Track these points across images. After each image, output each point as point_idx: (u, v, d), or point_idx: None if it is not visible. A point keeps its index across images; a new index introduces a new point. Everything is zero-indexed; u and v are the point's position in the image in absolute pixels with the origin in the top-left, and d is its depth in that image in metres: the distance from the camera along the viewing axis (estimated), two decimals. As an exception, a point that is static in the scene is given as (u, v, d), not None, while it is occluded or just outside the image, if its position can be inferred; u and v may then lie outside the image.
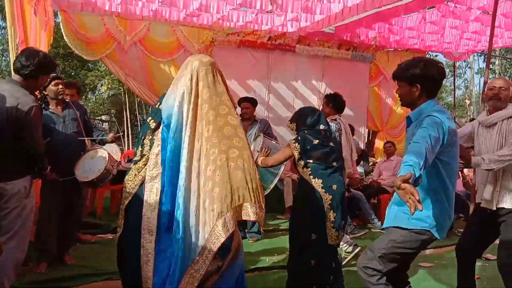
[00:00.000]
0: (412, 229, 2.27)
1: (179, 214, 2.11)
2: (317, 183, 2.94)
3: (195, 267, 2.09)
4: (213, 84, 2.21)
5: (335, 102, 4.39)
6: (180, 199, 2.11)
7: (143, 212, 2.16)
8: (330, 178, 2.97)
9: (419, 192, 2.24)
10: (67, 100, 3.73)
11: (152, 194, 2.18)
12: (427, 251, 4.65)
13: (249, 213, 2.01)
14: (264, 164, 3.22)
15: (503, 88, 2.96)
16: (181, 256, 2.09)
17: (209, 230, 2.03)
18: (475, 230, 3.05)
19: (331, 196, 2.92)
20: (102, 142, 3.84)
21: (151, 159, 2.21)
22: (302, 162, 3.00)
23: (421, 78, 2.29)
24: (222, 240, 2.01)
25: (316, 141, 3.01)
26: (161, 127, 2.27)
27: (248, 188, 2.03)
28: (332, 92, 4.65)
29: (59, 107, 3.64)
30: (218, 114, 2.14)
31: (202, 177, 2.09)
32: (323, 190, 2.92)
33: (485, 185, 2.97)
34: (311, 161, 2.98)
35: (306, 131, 3.07)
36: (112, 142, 3.82)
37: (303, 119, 3.13)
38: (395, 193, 2.49)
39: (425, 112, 2.27)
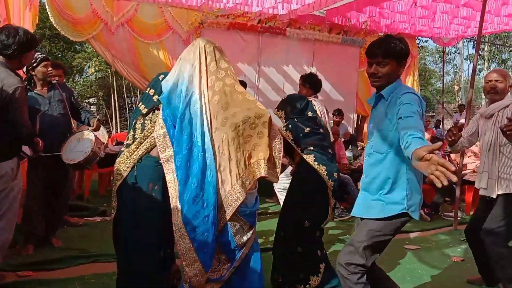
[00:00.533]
0: (389, 217, 2.23)
1: (197, 181, 2.20)
2: (321, 169, 2.89)
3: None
4: (219, 59, 2.39)
5: (311, 82, 4.27)
6: (196, 169, 2.19)
7: (169, 191, 2.25)
8: (330, 165, 2.95)
9: (392, 172, 2.22)
10: (53, 82, 3.67)
11: (171, 173, 2.26)
12: (413, 234, 4.73)
13: (261, 170, 2.24)
14: None
15: (499, 81, 3.05)
16: (212, 218, 2.19)
17: (229, 189, 2.23)
18: (481, 213, 3.15)
19: (333, 183, 2.91)
20: (88, 124, 3.77)
21: (159, 142, 2.26)
22: (299, 149, 2.95)
23: (407, 54, 2.27)
24: (242, 198, 2.22)
25: (307, 129, 2.96)
26: (155, 112, 2.31)
27: (259, 149, 2.25)
28: (306, 73, 4.55)
29: (44, 88, 3.58)
30: (225, 84, 2.32)
31: (218, 144, 2.25)
32: (327, 177, 2.90)
33: (481, 174, 3.05)
34: (311, 147, 2.93)
35: (296, 119, 3.00)
36: (97, 129, 3.71)
37: (292, 107, 3.06)
38: (362, 178, 2.44)
39: (399, 89, 2.23)
